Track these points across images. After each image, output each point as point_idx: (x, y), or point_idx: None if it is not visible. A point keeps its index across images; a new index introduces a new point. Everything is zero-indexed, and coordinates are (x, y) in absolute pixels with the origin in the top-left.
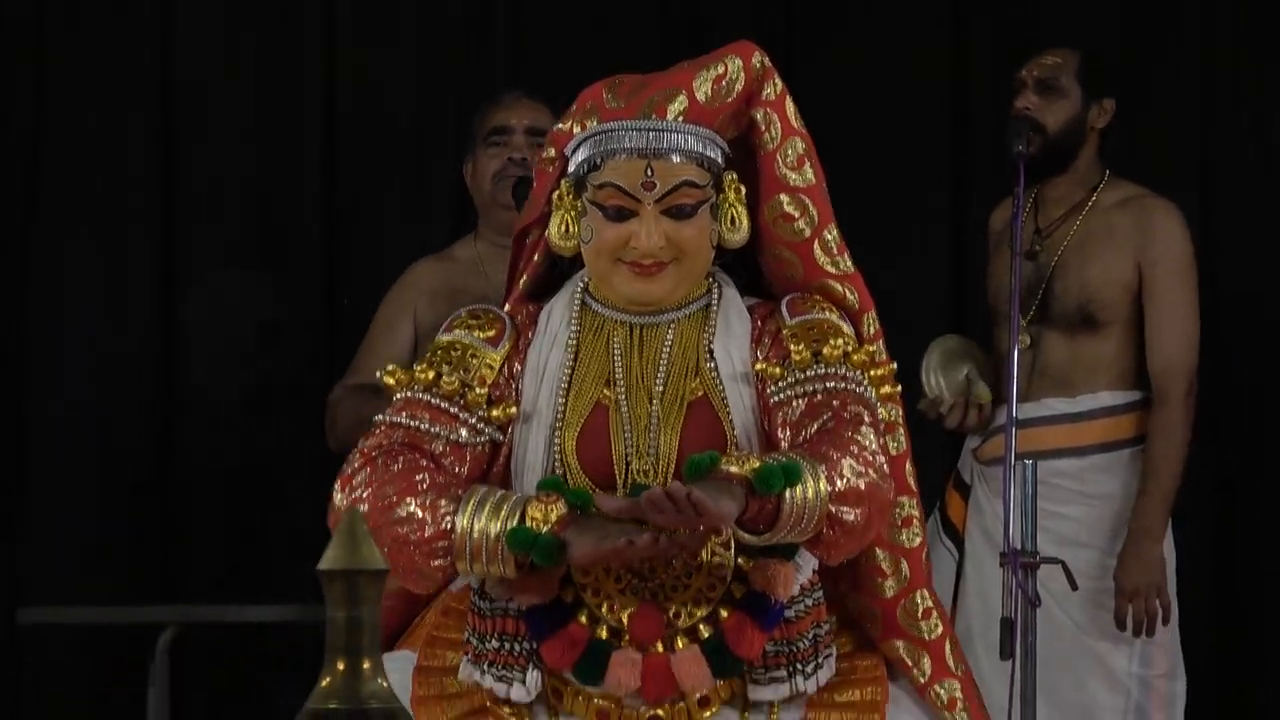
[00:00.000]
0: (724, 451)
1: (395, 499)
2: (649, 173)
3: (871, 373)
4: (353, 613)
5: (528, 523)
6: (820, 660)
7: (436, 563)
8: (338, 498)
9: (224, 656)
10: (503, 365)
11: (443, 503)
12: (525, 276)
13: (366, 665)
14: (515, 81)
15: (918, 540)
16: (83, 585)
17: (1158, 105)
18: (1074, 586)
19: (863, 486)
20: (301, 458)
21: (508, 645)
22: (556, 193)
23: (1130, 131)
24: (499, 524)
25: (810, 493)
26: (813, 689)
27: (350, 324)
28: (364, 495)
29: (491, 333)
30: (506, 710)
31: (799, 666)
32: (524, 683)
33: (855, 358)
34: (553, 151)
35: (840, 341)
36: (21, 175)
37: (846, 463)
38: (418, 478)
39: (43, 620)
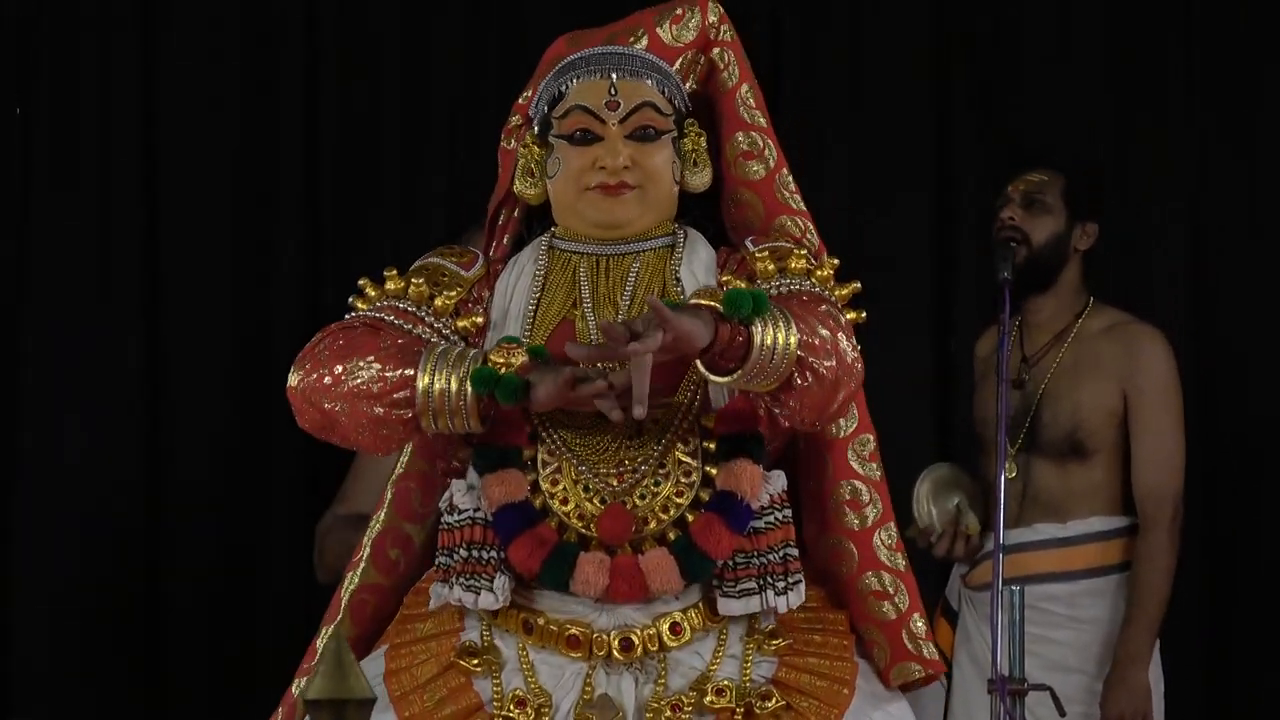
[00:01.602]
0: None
1: (357, 356)
2: (613, 91)
3: (837, 292)
4: None
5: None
6: (790, 581)
7: (398, 413)
8: (293, 373)
9: None
10: (472, 287)
11: (404, 354)
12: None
13: None
14: (509, 83)
15: (879, 473)
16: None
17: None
18: (1062, 713)
19: (831, 344)
20: (286, 589)
21: (475, 553)
22: (523, 147)
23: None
24: (463, 369)
25: (781, 338)
26: (783, 608)
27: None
28: (324, 355)
29: (465, 260)
30: (474, 662)
31: (770, 580)
32: (492, 589)
33: (819, 274)
34: (517, 119)
35: (804, 253)
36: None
37: (816, 323)
38: (380, 342)
39: None
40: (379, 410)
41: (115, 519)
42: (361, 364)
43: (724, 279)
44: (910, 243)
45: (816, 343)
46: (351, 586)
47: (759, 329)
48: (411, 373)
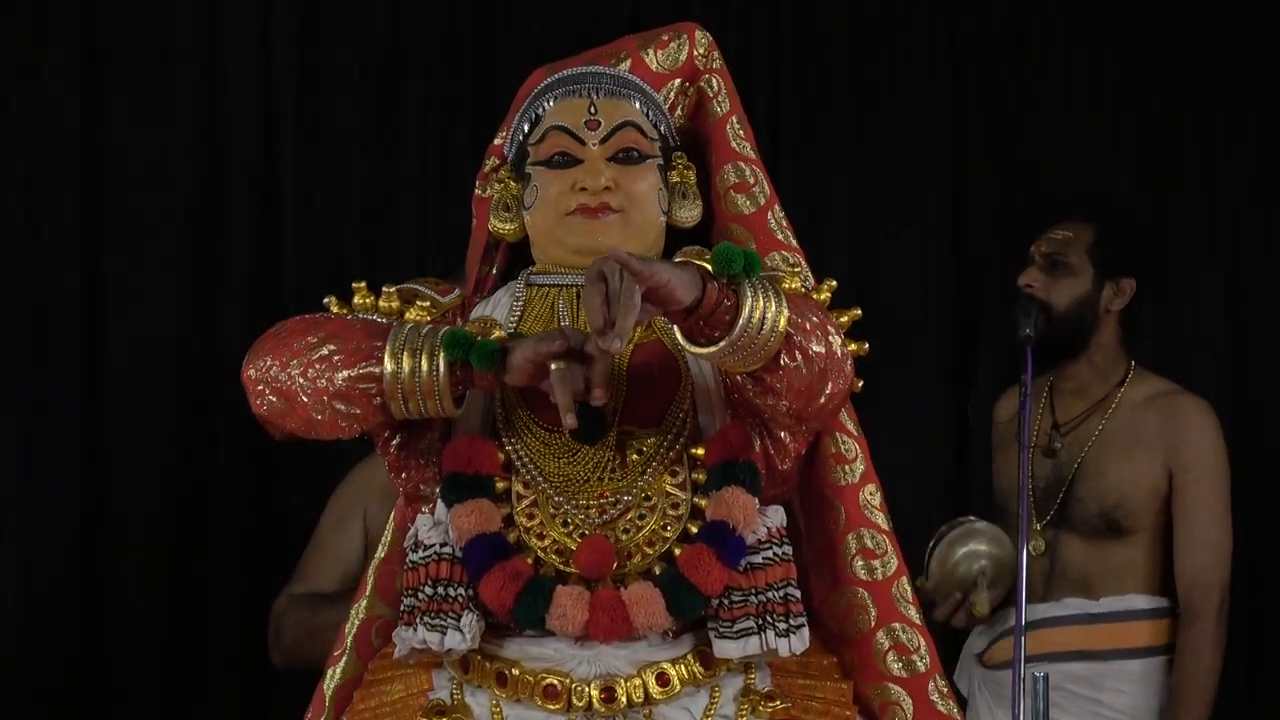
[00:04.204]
0: (679, 384)
1: (323, 330)
2: (592, 110)
3: (836, 318)
4: None
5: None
6: (793, 624)
7: (363, 387)
8: (248, 357)
9: None
10: (446, 312)
11: (371, 328)
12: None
13: None
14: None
15: (889, 525)
16: None
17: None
18: None
19: (821, 331)
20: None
21: (441, 590)
22: (498, 183)
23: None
24: (435, 339)
25: (771, 312)
26: (785, 652)
27: (293, 524)
28: (283, 334)
29: (441, 288)
30: None
31: (770, 620)
32: (459, 628)
33: (816, 297)
34: (492, 161)
35: (798, 271)
36: None
37: (806, 310)
38: (345, 320)
39: None
40: (342, 382)
41: (50, 558)
42: (324, 334)
43: None
44: (925, 296)
45: (807, 326)
46: (334, 682)
47: (749, 297)
48: (380, 343)
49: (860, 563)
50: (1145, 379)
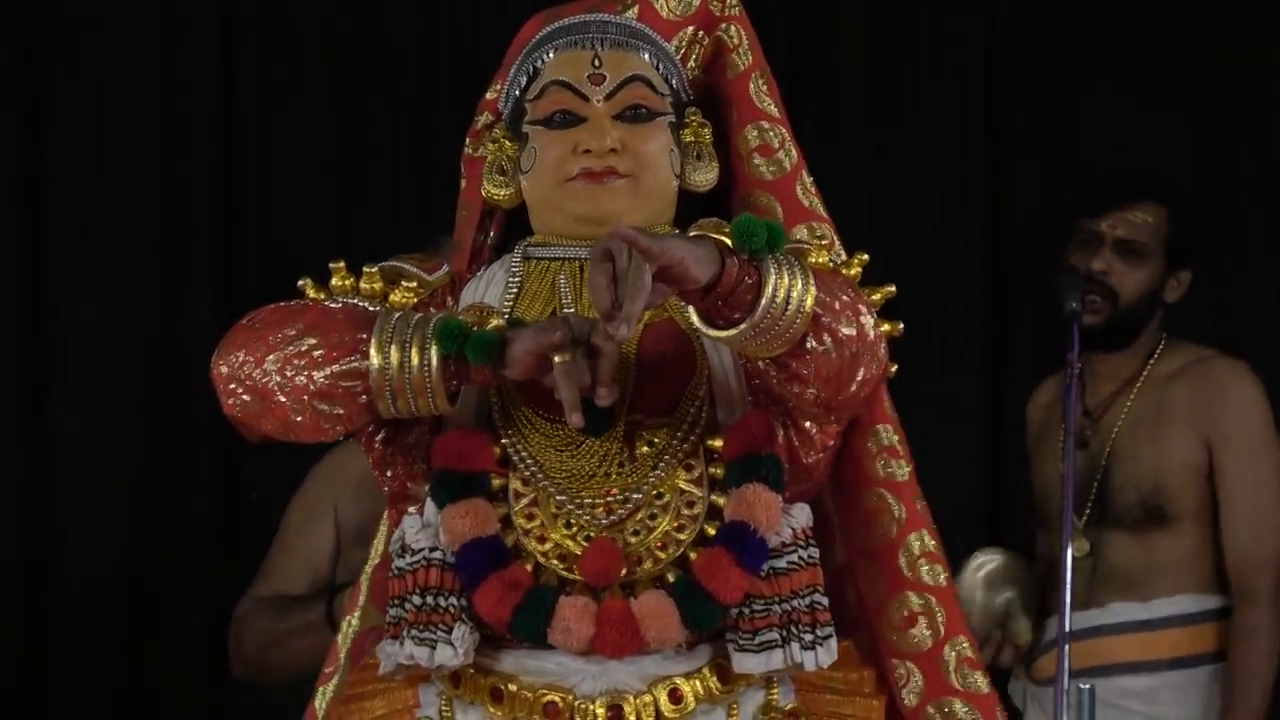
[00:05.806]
0: (694, 368)
1: (300, 321)
2: (596, 63)
3: (868, 295)
4: None
5: None
6: (820, 635)
7: (347, 385)
8: (217, 352)
9: None
10: (434, 291)
11: (355, 317)
12: None
13: None
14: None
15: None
16: None
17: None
18: None
19: (852, 311)
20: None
21: (431, 600)
22: (491, 143)
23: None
24: (427, 329)
25: (796, 290)
26: (812, 665)
27: (258, 520)
28: (257, 325)
29: (427, 264)
30: None
31: (795, 631)
32: (450, 641)
33: (845, 273)
34: (484, 117)
35: (825, 243)
36: None
37: (835, 288)
38: (325, 308)
39: None
40: (323, 379)
41: None
42: (303, 326)
43: None
44: (957, 276)
45: (836, 305)
46: (326, 700)
47: (772, 274)
48: (365, 335)
49: (925, 567)
50: (1176, 349)
